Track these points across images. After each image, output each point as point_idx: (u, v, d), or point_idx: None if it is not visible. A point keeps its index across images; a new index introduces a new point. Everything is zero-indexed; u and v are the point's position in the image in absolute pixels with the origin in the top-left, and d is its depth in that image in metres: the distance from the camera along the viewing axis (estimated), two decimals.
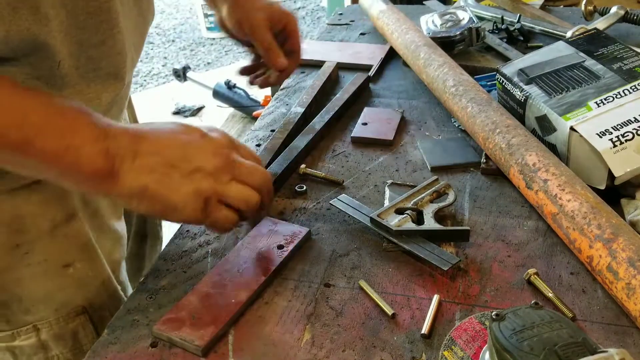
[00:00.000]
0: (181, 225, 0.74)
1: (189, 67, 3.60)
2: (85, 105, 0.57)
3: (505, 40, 1.21)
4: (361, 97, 1.04)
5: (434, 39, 1.10)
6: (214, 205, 0.59)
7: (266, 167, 0.81)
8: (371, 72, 1.10)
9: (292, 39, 0.89)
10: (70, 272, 0.71)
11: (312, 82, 1.03)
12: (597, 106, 0.75)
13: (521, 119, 0.84)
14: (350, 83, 1.04)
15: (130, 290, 0.82)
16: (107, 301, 0.75)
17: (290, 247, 0.67)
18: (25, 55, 0.59)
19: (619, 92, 0.76)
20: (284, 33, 0.88)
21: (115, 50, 0.67)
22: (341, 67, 1.15)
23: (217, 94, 3.19)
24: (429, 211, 0.70)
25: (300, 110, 0.94)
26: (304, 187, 0.79)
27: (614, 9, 1.18)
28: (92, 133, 0.54)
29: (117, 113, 0.77)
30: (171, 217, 0.59)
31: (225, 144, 0.61)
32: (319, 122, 0.92)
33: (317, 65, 1.16)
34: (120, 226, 0.81)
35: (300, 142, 0.87)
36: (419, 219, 0.70)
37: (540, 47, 1.04)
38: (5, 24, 0.55)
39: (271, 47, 0.86)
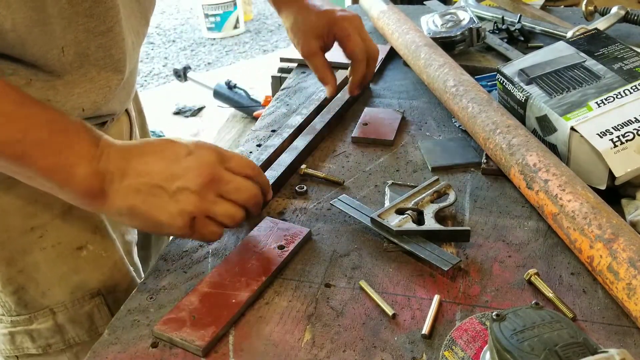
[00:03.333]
0: None
1: (190, 67, 3.60)
2: (86, 123, 0.59)
3: (505, 40, 1.21)
4: (361, 97, 1.04)
5: (435, 39, 1.10)
6: (200, 221, 0.61)
7: (265, 167, 0.81)
8: None
9: (346, 48, 0.94)
10: (83, 255, 0.73)
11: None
12: (597, 106, 0.75)
13: (522, 119, 0.84)
14: None
15: (143, 275, 0.83)
16: (121, 282, 0.77)
17: (291, 247, 0.67)
18: (31, 44, 0.61)
19: (619, 92, 0.76)
20: (340, 42, 0.94)
21: (121, 37, 0.69)
22: (342, 67, 1.14)
23: (217, 94, 3.19)
24: (429, 211, 0.70)
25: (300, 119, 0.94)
26: (305, 188, 0.79)
27: (614, 9, 1.18)
28: (88, 153, 0.57)
29: (125, 98, 0.78)
30: (160, 232, 0.63)
31: (211, 161, 0.62)
32: (319, 122, 0.92)
33: None
34: None
35: (301, 142, 0.87)
36: (419, 219, 0.70)
37: (540, 47, 1.04)
38: (12, 12, 0.57)
39: (322, 76, 0.95)
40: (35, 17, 0.59)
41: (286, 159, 0.83)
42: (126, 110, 0.84)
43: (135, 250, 0.84)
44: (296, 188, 0.79)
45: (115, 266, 0.76)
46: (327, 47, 0.95)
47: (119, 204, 0.59)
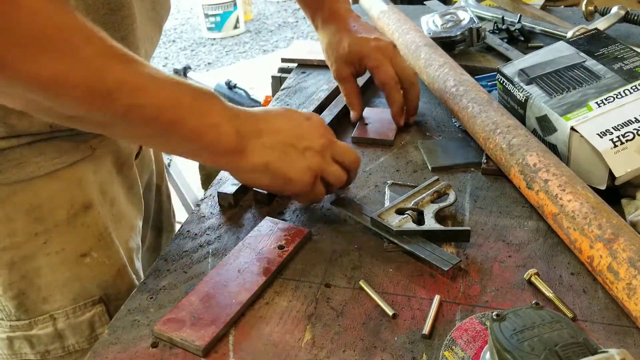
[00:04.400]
0: (182, 226, 0.74)
1: (190, 68, 3.59)
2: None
3: (505, 40, 1.21)
4: (362, 97, 1.04)
5: (435, 39, 1.10)
6: (318, 180, 0.69)
7: None
8: None
9: (376, 79, 0.92)
10: (87, 262, 0.73)
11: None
12: (597, 106, 0.75)
13: (522, 119, 0.84)
14: None
15: None
16: (124, 290, 0.76)
17: (291, 247, 0.67)
18: None
19: (619, 93, 0.76)
20: (372, 73, 0.93)
21: (134, 46, 0.69)
22: None
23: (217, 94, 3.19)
24: (429, 211, 0.70)
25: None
26: None
27: (614, 9, 1.18)
28: (226, 114, 0.63)
29: None
30: (286, 189, 0.69)
31: (325, 126, 0.71)
32: (327, 115, 0.92)
33: (318, 65, 1.17)
34: (134, 214, 0.82)
35: None
36: (419, 219, 0.70)
37: (540, 47, 1.04)
38: None
39: (349, 101, 0.96)
40: None
41: None
42: None
43: (137, 256, 0.83)
44: None
45: (118, 274, 0.76)
46: (358, 74, 0.95)
47: (256, 160, 0.64)
